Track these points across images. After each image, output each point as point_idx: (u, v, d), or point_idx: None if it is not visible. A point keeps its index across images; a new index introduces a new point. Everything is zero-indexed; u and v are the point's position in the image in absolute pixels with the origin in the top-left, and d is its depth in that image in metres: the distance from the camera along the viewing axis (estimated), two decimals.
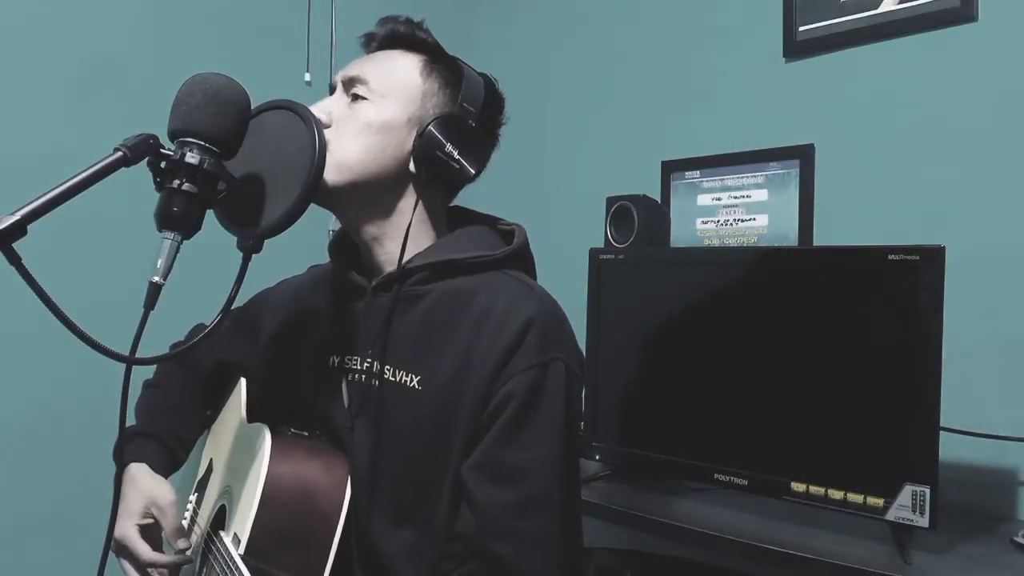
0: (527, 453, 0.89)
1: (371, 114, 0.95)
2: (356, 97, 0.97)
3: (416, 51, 1.00)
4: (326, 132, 0.94)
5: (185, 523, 1.11)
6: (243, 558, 0.88)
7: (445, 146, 0.95)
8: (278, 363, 1.10)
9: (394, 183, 0.98)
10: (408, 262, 0.97)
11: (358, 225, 1.00)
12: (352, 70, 0.98)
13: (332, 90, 1.01)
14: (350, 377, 1.01)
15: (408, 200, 0.99)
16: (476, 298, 0.94)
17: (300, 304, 1.11)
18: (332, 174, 0.93)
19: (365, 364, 0.99)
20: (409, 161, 0.97)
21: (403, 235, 0.97)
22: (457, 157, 0.95)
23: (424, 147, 0.95)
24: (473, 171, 0.97)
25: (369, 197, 0.97)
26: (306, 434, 1.02)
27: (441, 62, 1.00)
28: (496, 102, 1.04)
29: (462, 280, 0.97)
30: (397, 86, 0.97)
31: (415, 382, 0.94)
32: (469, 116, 0.98)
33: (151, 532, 0.99)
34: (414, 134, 0.96)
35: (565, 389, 0.91)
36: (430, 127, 0.95)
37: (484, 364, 0.90)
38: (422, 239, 1.00)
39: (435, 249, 0.99)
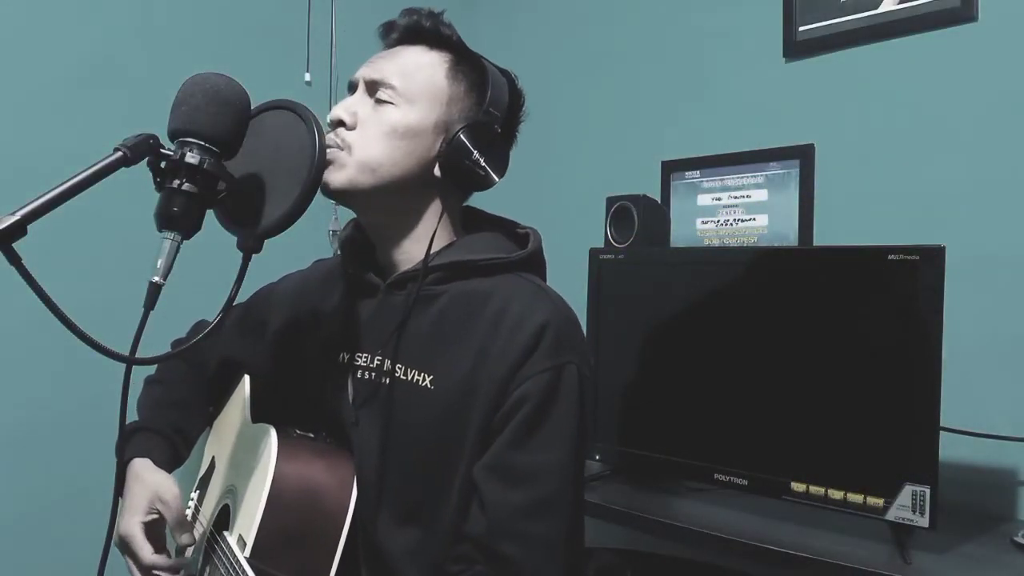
0: (539, 456, 0.89)
1: (396, 118, 0.95)
2: (380, 100, 0.96)
3: (439, 48, 0.99)
4: (350, 134, 0.94)
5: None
6: (249, 561, 0.87)
7: (472, 154, 0.95)
8: (284, 359, 1.10)
9: (417, 186, 0.97)
10: (426, 261, 0.96)
11: (378, 225, 1.00)
12: (375, 72, 0.97)
13: (352, 88, 0.99)
14: (358, 374, 1.01)
15: (430, 203, 0.99)
16: (491, 300, 0.94)
17: (307, 300, 1.11)
18: (357, 175, 0.93)
19: (375, 362, 0.99)
20: (434, 165, 0.97)
21: (423, 235, 0.97)
22: (483, 164, 0.95)
23: (452, 155, 0.95)
24: (498, 178, 0.97)
25: (391, 199, 0.96)
26: (312, 435, 1.02)
27: (466, 62, 1.00)
28: (518, 102, 1.03)
29: (477, 282, 0.97)
30: (423, 90, 0.96)
31: (427, 381, 0.94)
32: (495, 121, 0.98)
33: (155, 529, 0.98)
34: (440, 139, 0.96)
35: (578, 392, 0.92)
36: (459, 135, 0.95)
37: (498, 366, 0.90)
38: (440, 239, 0.99)
39: (452, 250, 0.99)
